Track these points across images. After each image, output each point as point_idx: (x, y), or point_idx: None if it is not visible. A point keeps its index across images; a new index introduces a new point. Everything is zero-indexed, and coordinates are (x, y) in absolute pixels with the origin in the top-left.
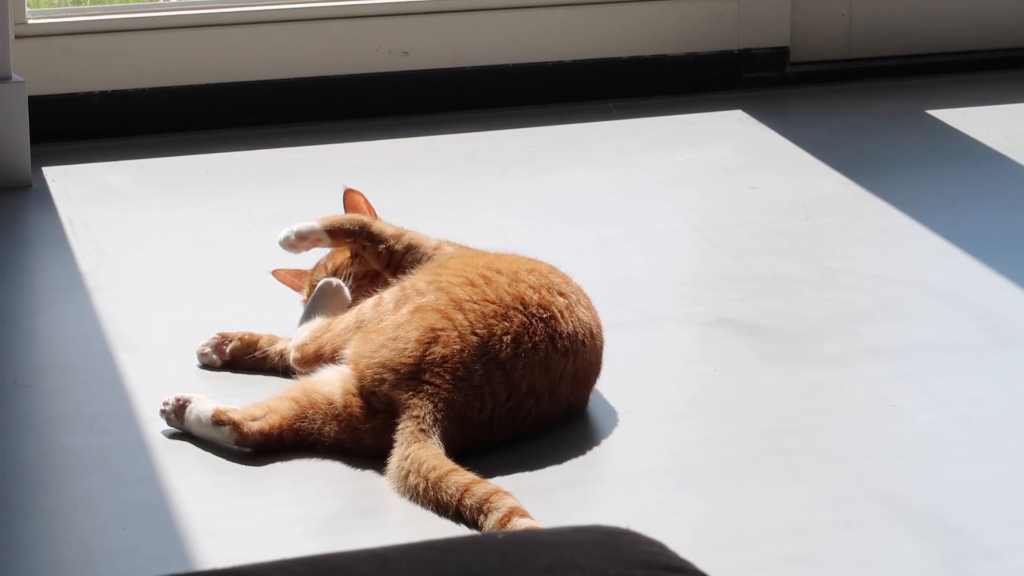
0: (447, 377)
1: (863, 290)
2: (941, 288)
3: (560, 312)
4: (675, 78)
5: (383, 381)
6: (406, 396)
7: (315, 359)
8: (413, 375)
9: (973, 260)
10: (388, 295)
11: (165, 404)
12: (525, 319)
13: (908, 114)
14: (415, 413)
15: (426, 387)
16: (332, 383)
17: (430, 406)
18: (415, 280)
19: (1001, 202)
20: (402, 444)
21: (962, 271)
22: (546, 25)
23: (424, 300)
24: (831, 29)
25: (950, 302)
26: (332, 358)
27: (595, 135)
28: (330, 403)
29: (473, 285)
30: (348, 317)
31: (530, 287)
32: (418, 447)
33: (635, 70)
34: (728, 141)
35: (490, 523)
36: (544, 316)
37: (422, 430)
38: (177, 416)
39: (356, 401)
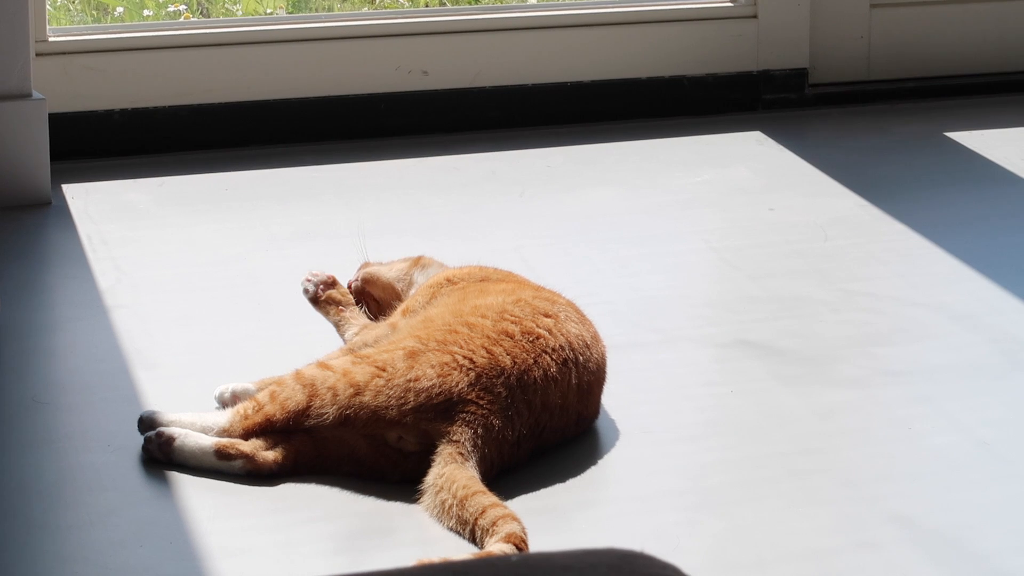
0: (481, 402)
1: (881, 312)
2: (958, 310)
3: (548, 331)
4: (694, 99)
5: (425, 420)
6: (444, 426)
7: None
8: (448, 406)
9: (991, 283)
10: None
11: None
12: (516, 344)
13: (926, 136)
14: (455, 438)
15: (463, 415)
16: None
17: (469, 432)
18: (399, 340)
19: (1019, 225)
20: (439, 464)
21: (979, 294)
22: (566, 45)
23: (415, 345)
24: (850, 51)
25: (967, 325)
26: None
27: (614, 155)
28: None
29: (458, 332)
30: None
31: (512, 321)
32: (454, 467)
33: (654, 91)
34: (747, 162)
35: (487, 545)
36: (532, 339)
37: (460, 453)
38: (163, 452)
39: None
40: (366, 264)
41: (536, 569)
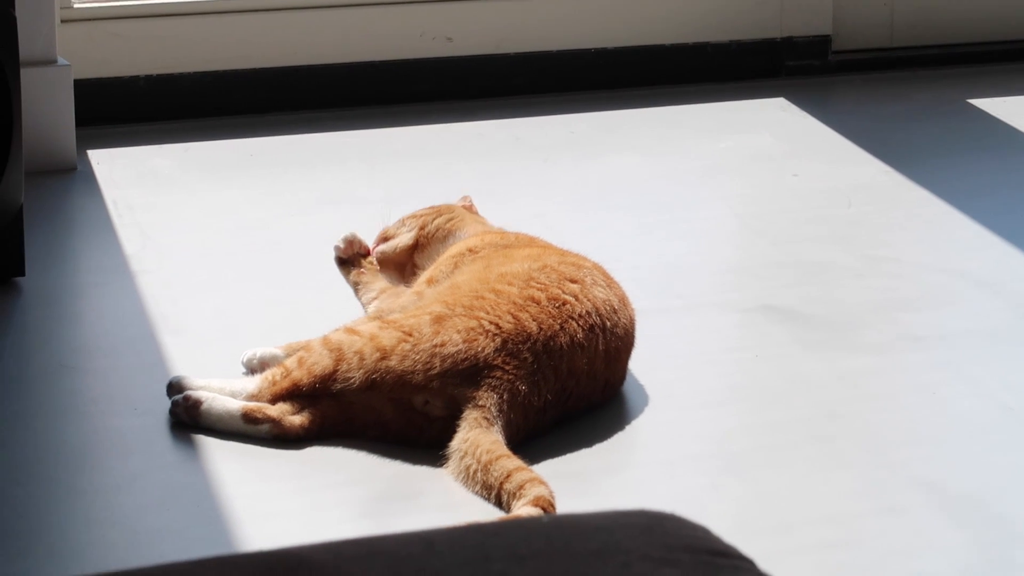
0: (507, 367)
1: (904, 278)
2: (981, 276)
3: (574, 296)
4: (717, 65)
5: (451, 385)
6: (470, 391)
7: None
8: (474, 371)
9: (1014, 249)
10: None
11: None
12: (542, 310)
13: (949, 103)
14: (481, 403)
15: (489, 380)
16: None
17: (495, 397)
18: (426, 306)
19: None
20: (464, 429)
21: (1002, 260)
22: (589, 12)
23: (442, 310)
24: (873, 17)
25: (990, 290)
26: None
27: (637, 122)
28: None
29: (484, 298)
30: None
31: (539, 288)
32: (479, 432)
33: (677, 57)
34: (770, 129)
35: (514, 509)
36: (559, 304)
37: (486, 418)
38: (190, 416)
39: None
40: (384, 231)
41: (567, 530)
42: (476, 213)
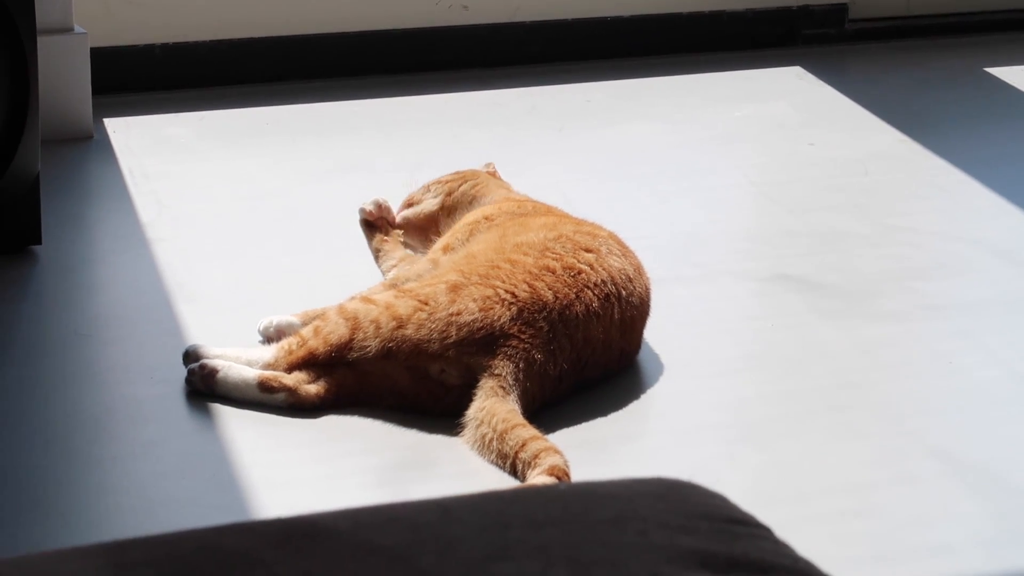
0: (523, 336)
1: (920, 247)
2: (998, 245)
3: (590, 265)
4: (734, 34)
5: (467, 354)
6: (486, 360)
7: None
8: (489, 340)
9: None
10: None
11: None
12: (558, 280)
13: (966, 72)
14: (496, 372)
15: (505, 349)
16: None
17: (511, 366)
18: (442, 274)
19: None
20: (480, 397)
21: (1019, 228)
22: None
23: (457, 279)
24: None
25: (1007, 259)
26: None
27: (653, 90)
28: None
29: (500, 267)
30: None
31: (554, 257)
32: (494, 401)
33: (694, 26)
34: (786, 97)
35: (529, 478)
36: (574, 274)
37: (502, 387)
38: (205, 384)
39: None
40: (409, 196)
41: (584, 497)
42: (500, 180)
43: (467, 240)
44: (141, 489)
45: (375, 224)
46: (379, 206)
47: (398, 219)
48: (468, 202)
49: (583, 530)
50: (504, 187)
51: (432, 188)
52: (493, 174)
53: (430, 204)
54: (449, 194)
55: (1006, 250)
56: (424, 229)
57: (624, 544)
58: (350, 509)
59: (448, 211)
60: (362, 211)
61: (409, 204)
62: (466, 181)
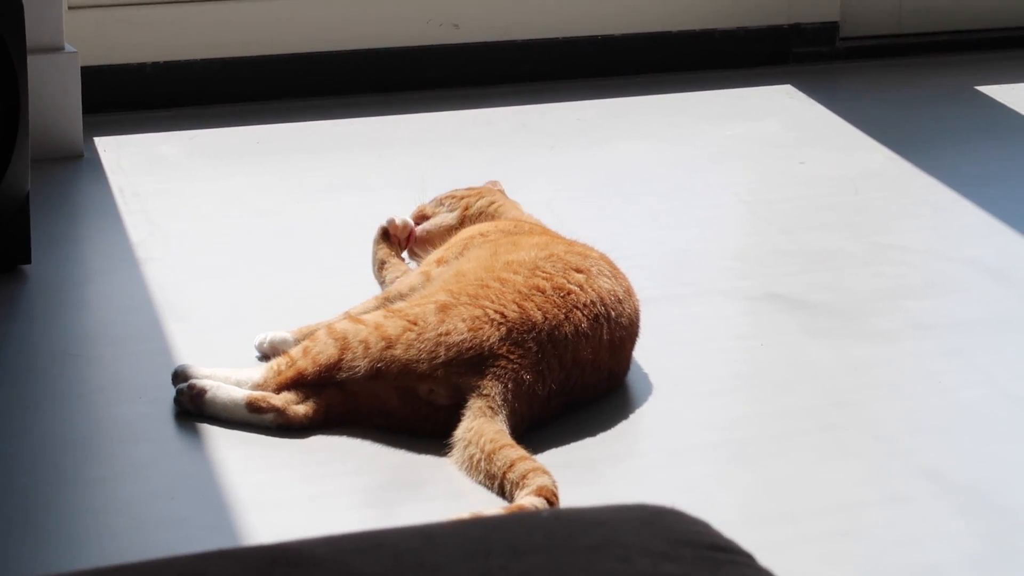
0: (512, 356)
1: (911, 265)
2: (989, 264)
3: (579, 286)
4: (724, 52)
5: (456, 374)
6: (475, 380)
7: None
8: (478, 360)
9: (1022, 237)
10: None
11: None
12: (547, 300)
13: (958, 90)
14: (485, 392)
15: (494, 369)
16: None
17: (500, 386)
18: (431, 294)
19: None
20: (469, 418)
21: (1010, 248)
22: None
23: (446, 299)
24: (881, 4)
25: (998, 278)
26: None
27: (645, 109)
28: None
29: (489, 287)
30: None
31: (544, 277)
32: (483, 421)
33: (685, 44)
34: (777, 116)
35: (517, 499)
36: (564, 294)
37: (490, 408)
38: (194, 404)
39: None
40: (420, 208)
41: (567, 524)
42: (513, 200)
43: (460, 254)
44: (131, 509)
45: (391, 239)
46: (404, 226)
47: (418, 231)
48: (487, 219)
49: (566, 557)
50: (517, 208)
51: (446, 202)
52: (500, 192)
53: (448, 218)
54: (467, 208)
55: (997, 269)
56: (440, 242)
57: (606, 571)
58: (333, 536)
59: (465, 226)
60: (390, 222)
61: (422, 216)
62: (482, 197)
